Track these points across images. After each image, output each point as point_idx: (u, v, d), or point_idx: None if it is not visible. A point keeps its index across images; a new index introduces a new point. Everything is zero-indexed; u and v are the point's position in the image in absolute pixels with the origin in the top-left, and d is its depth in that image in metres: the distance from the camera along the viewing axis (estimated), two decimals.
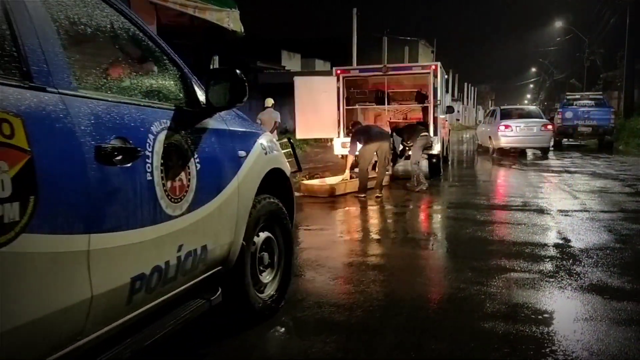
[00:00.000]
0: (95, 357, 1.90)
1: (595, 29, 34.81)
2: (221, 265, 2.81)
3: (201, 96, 2.66)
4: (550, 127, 17.23)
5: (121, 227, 1.94)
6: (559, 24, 41.97)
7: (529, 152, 17.66)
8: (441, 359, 2.82)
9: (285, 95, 17.44)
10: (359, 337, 3.08)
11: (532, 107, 22.02)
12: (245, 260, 3.05)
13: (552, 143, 18.15)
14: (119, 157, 1.93)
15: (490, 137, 17.48)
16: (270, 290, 3.39)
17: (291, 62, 31.00)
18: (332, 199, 8.43)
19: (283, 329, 3.24)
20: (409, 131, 9.88)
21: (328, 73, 12.08)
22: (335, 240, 5.75)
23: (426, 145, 9.68)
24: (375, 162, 8.79)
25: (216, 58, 11.54)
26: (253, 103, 23.91)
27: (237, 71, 2.57)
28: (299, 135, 11.24)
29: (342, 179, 9.32)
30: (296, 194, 8.29)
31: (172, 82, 2.53)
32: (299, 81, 10.98)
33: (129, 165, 1.98)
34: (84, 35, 2.02)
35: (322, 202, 8.17)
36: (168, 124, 2.30)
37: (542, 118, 17.97)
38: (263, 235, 3.31)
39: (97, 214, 1.83)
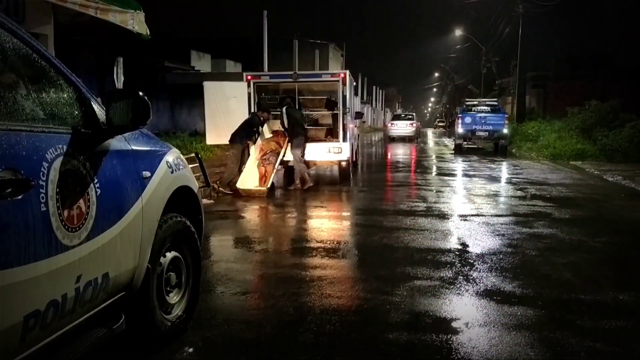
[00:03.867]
0: None
1: (491, 39, 37.15)
2: (125, 290, 2.72)
3: (102, 117, 2.56)
4: (414, 124, 31.60)
5: (12, 264, 1.83)
6: (459, 32, 44.39)
7: (433, 157, 18.69)
8: None
9: (194, 97, 17.02)
10: (269, 356, 3.10)
11: (410, 114, 35.34)
12: (151, 283, 2.96)
13: (416, 134, 31.73)
14: (9, 190, 1.81)
15: (386, 129, 35.44)
16: (177, 311, 3.31)
17: (201, 62, 30.32)
18: (241, 207, 8.38)
19: (191, 350, 3.19)
20: (291, 128, 10.06)
21: (239, 74, 11.99)
22: (245, 252, 5.72)
23: (302, 151, 9.96)
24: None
25: (120, 60, 11.03)
26: (160, 104, 23.21)
27: (140, 92, 2.50)
28: (209, 140, 11.07)
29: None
30: (205, 201, 8.25)
31: (69, 104, 2.41)
32: (208, 86, 10.81)
33: (19, 197, 1.87)
34: None
35: (232, 210, 8.10)
36: (65, 149, 2.19)
37: (413, 120, 32.35)
38: (170, 255, 3.23)
39: None
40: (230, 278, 4.61)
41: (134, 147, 2.85)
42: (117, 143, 2.67)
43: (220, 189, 9.22)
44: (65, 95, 2.40)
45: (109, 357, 3.06)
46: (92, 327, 2.49)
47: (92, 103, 2.54)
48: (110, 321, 2.61)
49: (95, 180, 2.38)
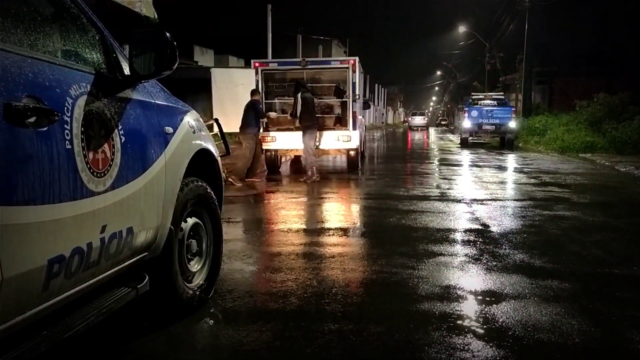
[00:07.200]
0: (5, 351, 1.62)
1: (495, 34, 36.90)
2: (147, 251, 2.56)
3: (124, 65, 2.40)
4: (425, 119, 54.92)
5: (35, 200, 1.67)
6: (462, 29, 44.14)
7: (435, 149, 18.53)
8: (382, 341, 2.75)
9: (198, 92, 16.86)
10: (297, 324, 2.94)
11: (422, 112, 59.15)
12: (173, 246, 2.81)
13: (427, 125, 52.66)
14: (33, 119, 1.66)
15: (407, 122, 61.83)
16: (199, 280, 3.17)
17: (204, 57, 30.16)
18: (251, 192, 8.24)
19: (213, 320, 3.03)
20: (307, 116, 9.62)
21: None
22: (261, 232, 5.56)
23: (314, 143, 9.73)
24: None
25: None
26: None
27: (167, 34, 2.34)
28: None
29: None
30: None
31: (91, 45, 2.25)
32: (216, 73, 10.66)
33: (44, 129, 1.71)
34: None
35: (243, 195, 7.95)
36: (88, 89, 2.04)
37: (425, 116, 56.50)
38: (191, 221, 3.08)
39: (6, 182, 1.56)
40: (247, 255, 4.46)
41: (157, 101, 2.70)
42: (140, 94, 2.52)
43: (230, 179, 8.97)
44: (88, 36, 2.24)
45: (130, 326, 2.91)
46: (116, 286, 2.35)
47: (114, 49, 2.38)
48: (134, 281, 2.46)
49: (120, 127, 2.23)
